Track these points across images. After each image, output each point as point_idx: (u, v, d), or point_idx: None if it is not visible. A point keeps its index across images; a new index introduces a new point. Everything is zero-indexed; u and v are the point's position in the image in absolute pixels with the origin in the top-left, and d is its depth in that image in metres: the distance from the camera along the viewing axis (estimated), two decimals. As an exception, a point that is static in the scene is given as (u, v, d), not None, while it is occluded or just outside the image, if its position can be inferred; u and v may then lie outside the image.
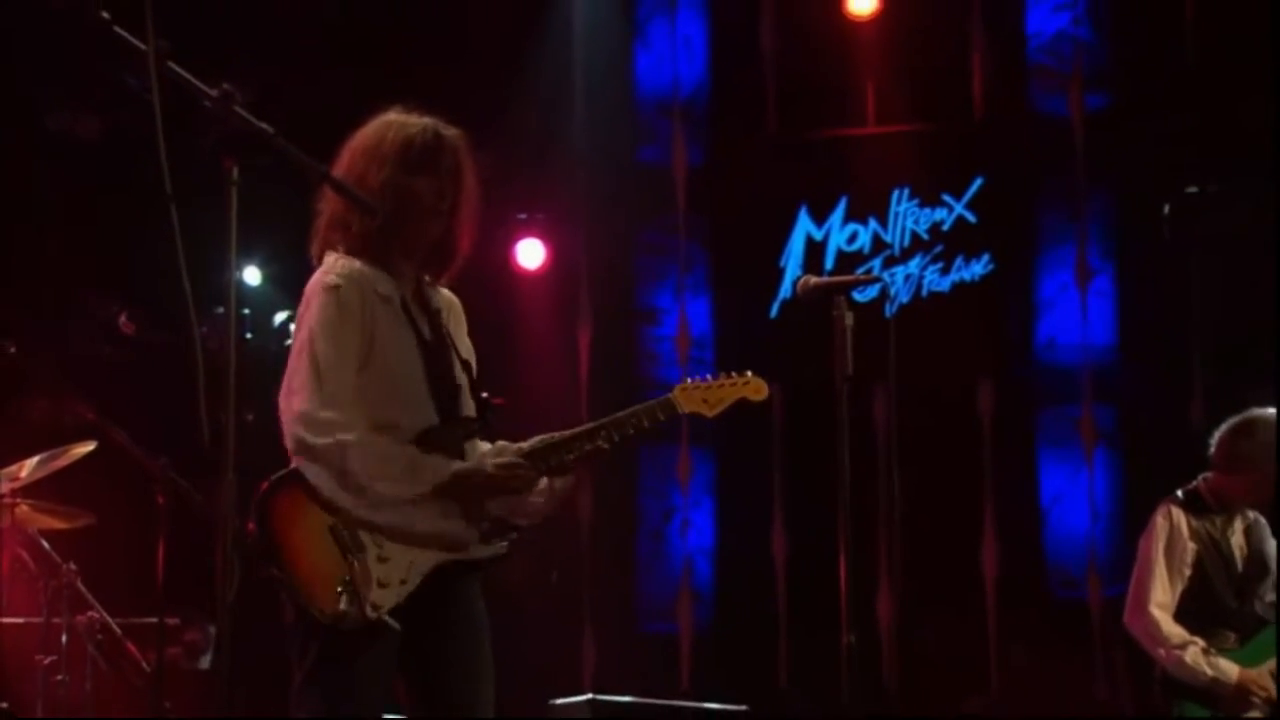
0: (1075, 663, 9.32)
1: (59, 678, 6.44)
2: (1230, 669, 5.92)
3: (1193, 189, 8.37)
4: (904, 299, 9.92)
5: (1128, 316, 9.75)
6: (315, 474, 3.87)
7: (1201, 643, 5.95)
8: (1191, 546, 6.05)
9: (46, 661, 6.44)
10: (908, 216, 10.04)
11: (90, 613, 6.57)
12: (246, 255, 8.55)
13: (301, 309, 4.03)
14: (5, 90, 8.45)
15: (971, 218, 9.96)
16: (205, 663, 7.53)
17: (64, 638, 6.48)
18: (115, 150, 8.42)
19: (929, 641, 9.09)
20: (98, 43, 3.23)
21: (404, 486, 3.90)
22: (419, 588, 3.92)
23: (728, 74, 10.37)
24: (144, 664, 6.60)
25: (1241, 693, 5.91)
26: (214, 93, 3.29)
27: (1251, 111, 9.15)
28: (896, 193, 10.05)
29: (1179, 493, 6.17)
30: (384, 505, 3.89)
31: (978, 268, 9.94)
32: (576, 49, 10.17)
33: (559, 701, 6.81)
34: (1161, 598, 6.02)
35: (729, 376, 4.33)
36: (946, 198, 10.00)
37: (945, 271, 9.95)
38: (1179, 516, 6.09)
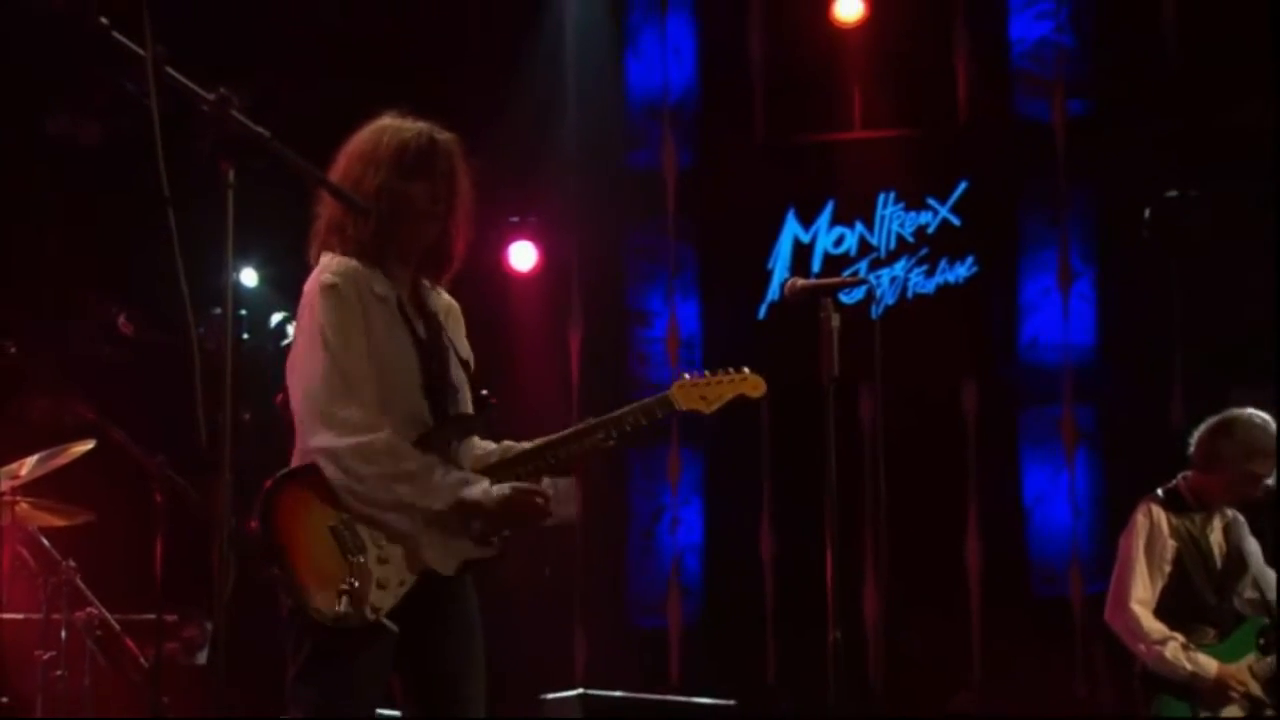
0: (1057, 658, 9.33)
1: (58, 673, 6.43)
2: (1209, 664, 5.92)
3: (1173, 193, 8.36)
4: (889, 301, 9.93)
5: (1109, 318, 9.77)
6: (334, 472, 3.86)
7: (1181, 638, 5.95)
8: (1171, 544, 6.05)
9: (46, 657, 6.43)
10: (893, 220, 10.04)
11: (89, 609, 6.56)
12: (243, 257, 8.55)
13: (303, 310, 4.02)
14: (6, 95, 8.43)
15: (956, 221, 9.97)
16: (202, 658, 7.52)
17: (63, 633, 6.47)
18: (115, 154, 8.40)
19: (914, 637, 9.10)
20: (97, 48, 3.22)
21: (420, 495, 3.90)
22: (417, 587, 3.91)
23: (716, 79, 10.37)
24: (142, 659, 6.59)
25: (1220, 688, 5.91)
26: (211, 97, 3.29)
27: (1230, 117, 9.18)
28: (882, 196, 10.06)
29: (1159, 491, 6.17)
30: (398, 509, 3.89)
31: (962, 270, 9.95)
32: (568, 55, 10.17)
33: (550, 696, 6.80)
34: (1142, 594, 6.02)
35: (726, 373, 4.31)
36: (931, 201, 10.01)
37: (930, 274, 9.96)
38: (1159, 514, 6.10)
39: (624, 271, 10.37)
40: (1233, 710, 5.93)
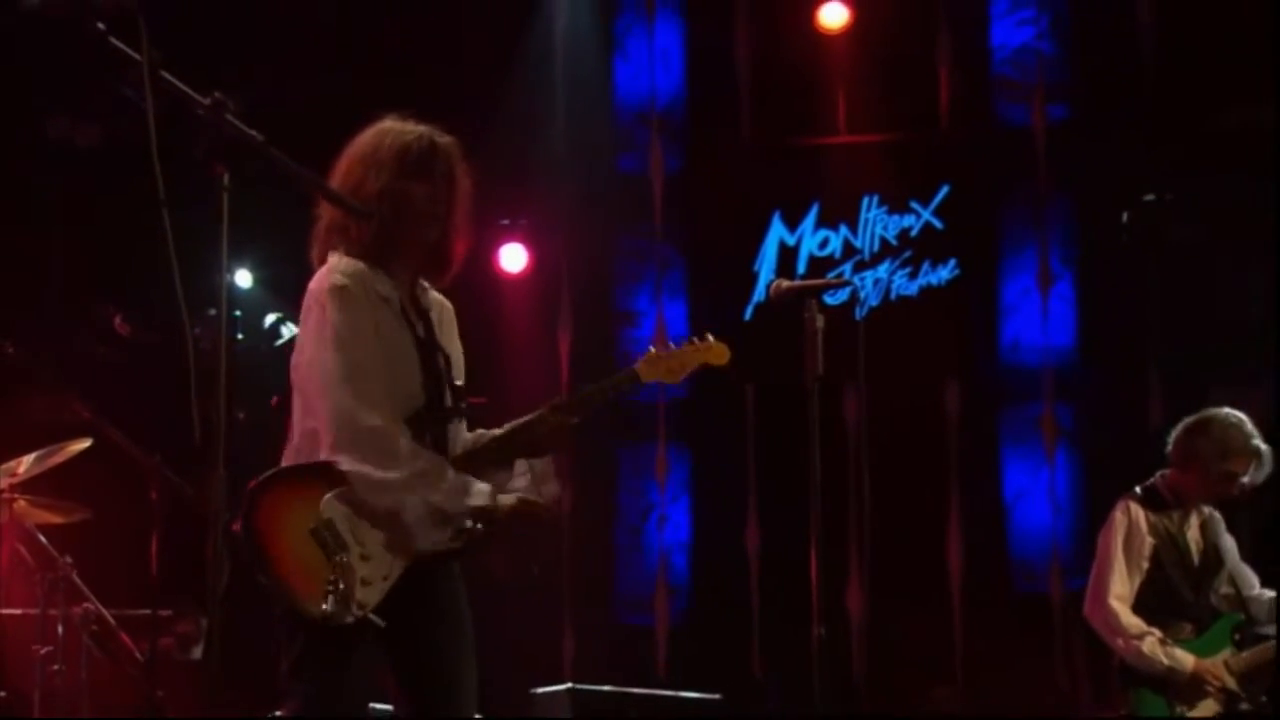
0: (1037, 653, 9.34)
1: (55, 667, 6.42)
2: (1185, 659, 5.93)
3: (1150, 197, 8.38)
4: (873, 302, 9.93)
5: (1088, 319, 9.78)
6: (355, 470, 3.86)
7: (1158, 633, 5.96)
8: (1149, 541, 6.07)
9: (43, 651, 6.42)
10: (877, 223, 10.05)
11: (85, 604, 6.55)
12: (238, 259, 8.54)
13: (309, 310, 4.01)
14: (6, 98, 8.42)
15: (938, 224, 9.97)
16: (197, 653, 7.50)
17: (60, 629, 6.46)
18: (114, 157, 8.39)
19: (896, 633, 9.10)
20: (95, 53, 3.22)
21: (435, 493, 3.90)
22: (403, 581, 3.91)
23: (703, 85, 10.37)
24: (137, 654, 6.58)
25: (1196, 682, 5.93)
26: (206, 101, 3.29)
27: (1206, 122, 9.20)
28: (866, 199, 10.07)
29: (1138, 489, 6.19)
30: (415, 508, 3.89)
31: (944, 272, 9.96)
32: (558, 61, 10.16)
33: (540, 691, 6.80)
34: (1120, 590, 6.03)
35: (691, 343, 4.30)
36: (914, 205, 10.01)
37: (913, 276, 9.97)
38: (1137, 512, 6.11)
39: (612, 273, 10.36)
40: (1209, 704, 5.94)
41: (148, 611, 6.33)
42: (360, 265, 4.01)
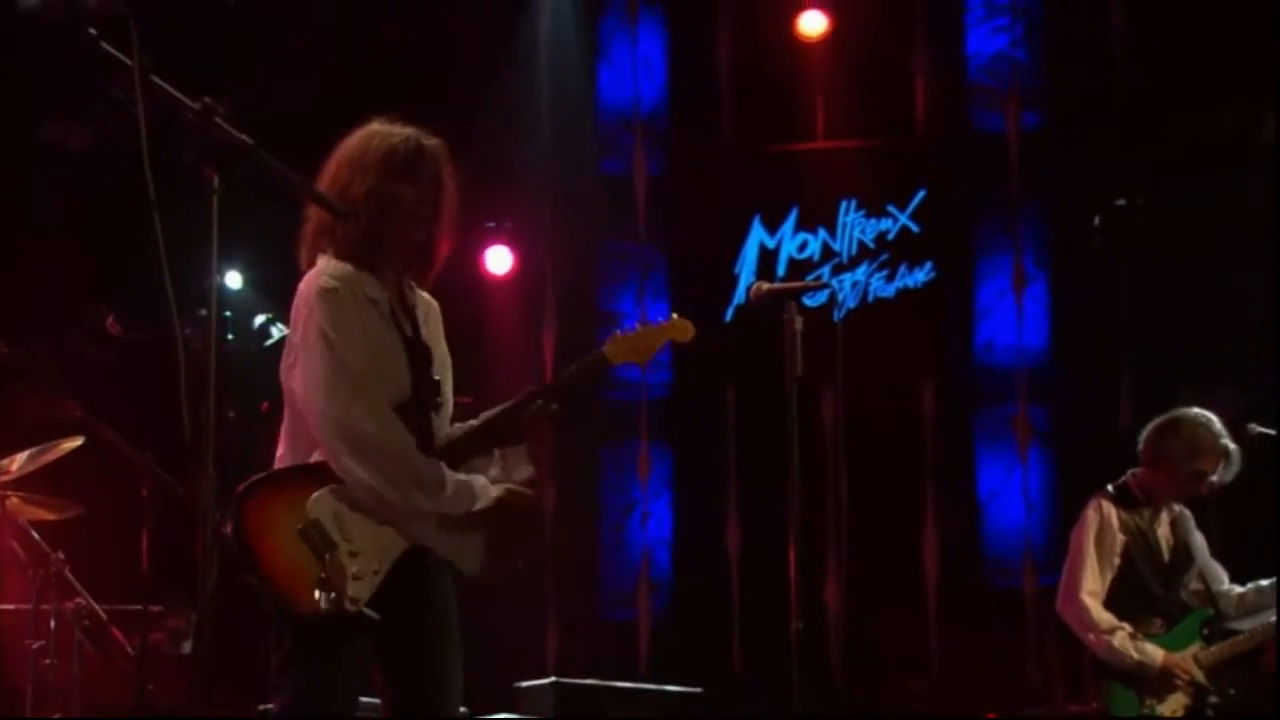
0: (1010, 647, 9.35)
1: (47, 661, 6.39)
2: (1155, 653, 5.94)
3: (1121, 201, 8.40)
4: (851, 304, 9.94)
5: (1061, 321, 9.79)
6: (358, 480, 3.86)
7: (1129, 628, 5.97)
8: (1121, 538, 6.07)
9: (35, 646, 6.40)
10: (855, 226, 10.05)
11: (78, 599, 6.53)
12: (228, 261, 8.52)
13: (299, 311, 4.00)
14: (1, 102, 8.40)
15: (915, 228, 9.98)
16: (187, 647, 7.48)
17: (52, 623, 6.44)
18: (106, 160, 8.37)
19: (873, 628, 9.10)
20: (87, 58, 3.21)
21: (432, 502, 3.90)
22: (392, 574, 3.90)
23: (685, 90, 10.37)
24: (129, 648, 6.56)
25: (1166, 675, 5.94)
26: (196, 106, 3.28)
27: (1176, 129, 9.22)
28: (844, 203, 10.07)
29: (1109, 487, 6.19)
30: (415, 514, 3.89)
31: (920, 275, 9.97)
32: (542, 67, 10.15)
33: (524, 684, 6.79)
34: (1092, 586, 6.04)
35: (656, 323, 4.28)
36: (891, 209, 10.02)
37: (890, 278, 9.98)
38: (1109, 510, 6.11)
39: (596, 274, 10.36)
40: (1178, 698, 5.95)
41: (139, 607, 6.30)
42: (348, 267, 4.00)
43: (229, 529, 3.79)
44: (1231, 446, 6.05)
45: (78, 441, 6.40)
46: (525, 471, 4.09)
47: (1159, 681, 5.94)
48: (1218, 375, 8.07)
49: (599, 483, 10.23)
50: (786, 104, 10.15)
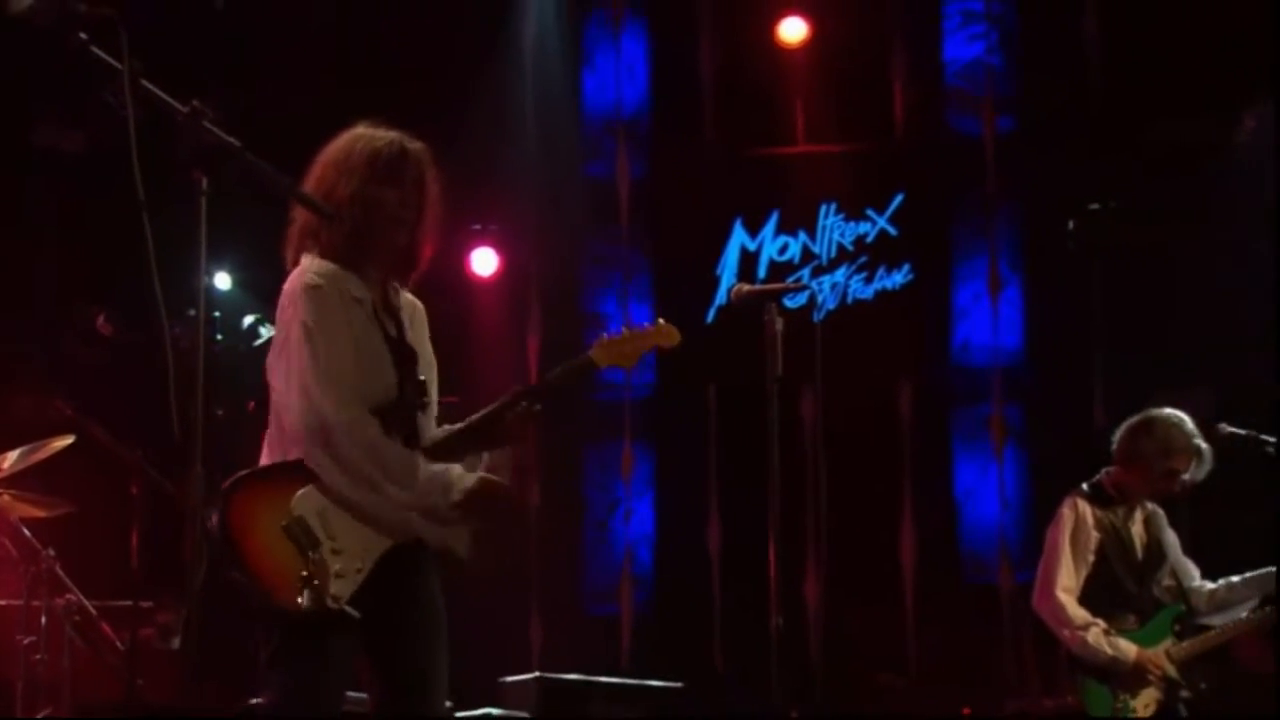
0: (986, 642, 9.36)
1: (38, 657, 6.36)
2: (1128, 649, 5.94)
3: (1095, 205, 8.41)
4: (830, 306, 9.95)
5: (1035, 323, 9.81)
6: (329, 474, 3.84)
7: (1103, 624, 5.97)
8: (1095, 535, 6.08)
9: (26, 642, 6.36)
10: (834, 229, 10.06)
11: (68, 596, 6.49)
12: (217, 262, 8.49)
13: (284, 309, 3.98)
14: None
15: (893, 231, 9.99)
16: (177, 643, 7.45)
17: (43, 619, 6.40)
18: (97, 163, 8.34)
19: (852, 623, 9.11)
20: (78, 62, 3.20)
21: (410, 495, 3.88)
22: (376, 572, 3.88)
23: (668, 96, 10.37)
24: (118, 644, 6.53)
25: (1139, 671, 5.94)
26: (184, 109, 3.27)
27: (1149, 134, 9.24)
28: (824, 207, 10.08)
29: (1084, 486, 6.20)
30: (391, 509, 3.87)
31: (898, 277, 9.98)
32: (528, 72, 10.15)
33: (509, 679, 6.78)
34: (1067, 582, 6.04)
35: (642, 328, 4.27)
36: (870, 212, 10.03)
37: (869, 280, 9.98)
38: (1084, 508, 6.12)
39: (580, 276, 10.35)
40: (1151, 692, 5.96)
41: (129, 603, 6.27)
42: (332, 266, 3.99)
43: (214, 524, 3.77)
44: (1203, 446, 6.06)
45: (69, 440, 6.37)
46: (508, 474, 4.07)
47: (1132, 676, 5.94)
48: (1189, 376, 8.09)
49: (583, 481, 10.23)
50: (767, 109, 10.16)
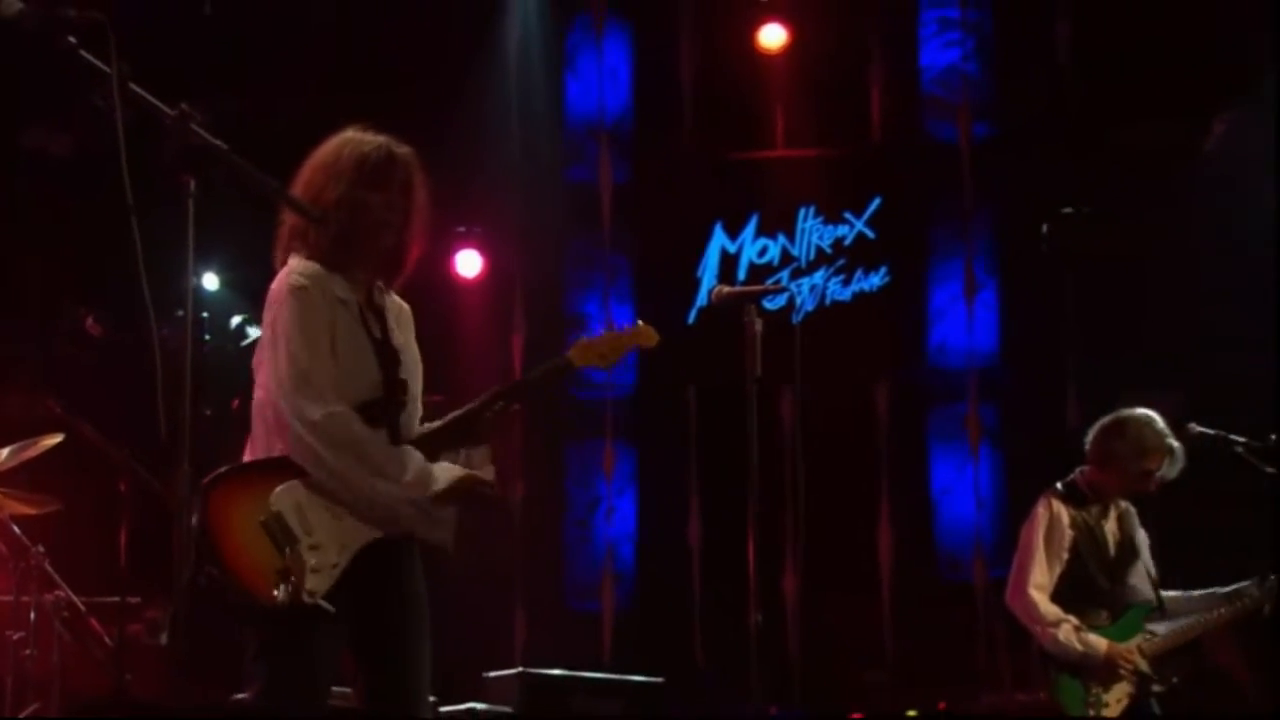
0: (961, 638, 9.37)
1: (27, 652, 6.34)
2: (1099, 644, 5.95)
3: (1068, 210, 8.43)
4: (809, 307, 9.95)
5: (1010, 325, 9.83)
6: (317, 469, 3.84)
7: (1074, 620, 5.98)
8: (1070, 534, 6.08)
9: (16, 637, 6.34)
10: (813, 232, 10.07)
11: (57, 592, 6.47)
12: (205, 263, 8.48)
13: (270, 309, 3.98)
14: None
15: (870, 234, 10.00)
16: (165, 638, 7.43)
17: (32, 615, 6.37)
18: (86, 165, 8.32)
19: (830, 619, 9.12)
20: (66, 66, 3.19)
21: (395, 488, 3.88)
22: (356, 566, 3.87)
23: (650, 101, 10.37)
24: (107, 639, 6.51)
25: (1110, 665, 5.95)
26: (172, 112, 3.26)
27: (1121, 139, 9.27)
28: (803, 210, 10.09)
29: (1059, 485, 6.20)
30: (381, 501, 3.86)
31: (876, 279, 9.99)
32: (512, 77, 10.14)
33: (492, 674, 6.77)
34: (1040, 579, 6.04)
35: (622, 329, 4.27)
36: (848, 215, 10.04)
37: (846, 283, 9.99)
38: (1059, 507, 6.12)
39: (563, 278, 10.35)
40: (1123, 686, 5.97)
41: (117, 599, 6.27)
42: (317, 268, 3.98)
43: (194, 520, 3.75)
44: (1175, 444, 6.07)
45: (58, 438, 6.34)
46: (488, 472, 4.07)
47: (1104, 671, 5.95)
48: (1160, 377, 8.11)
49: (565, 479, 10.23)
50: (747, 114, 10.17)
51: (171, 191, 3.27)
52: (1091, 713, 5.92)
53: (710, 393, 9.95)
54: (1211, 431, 6.20)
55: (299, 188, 4.00)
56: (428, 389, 4.22)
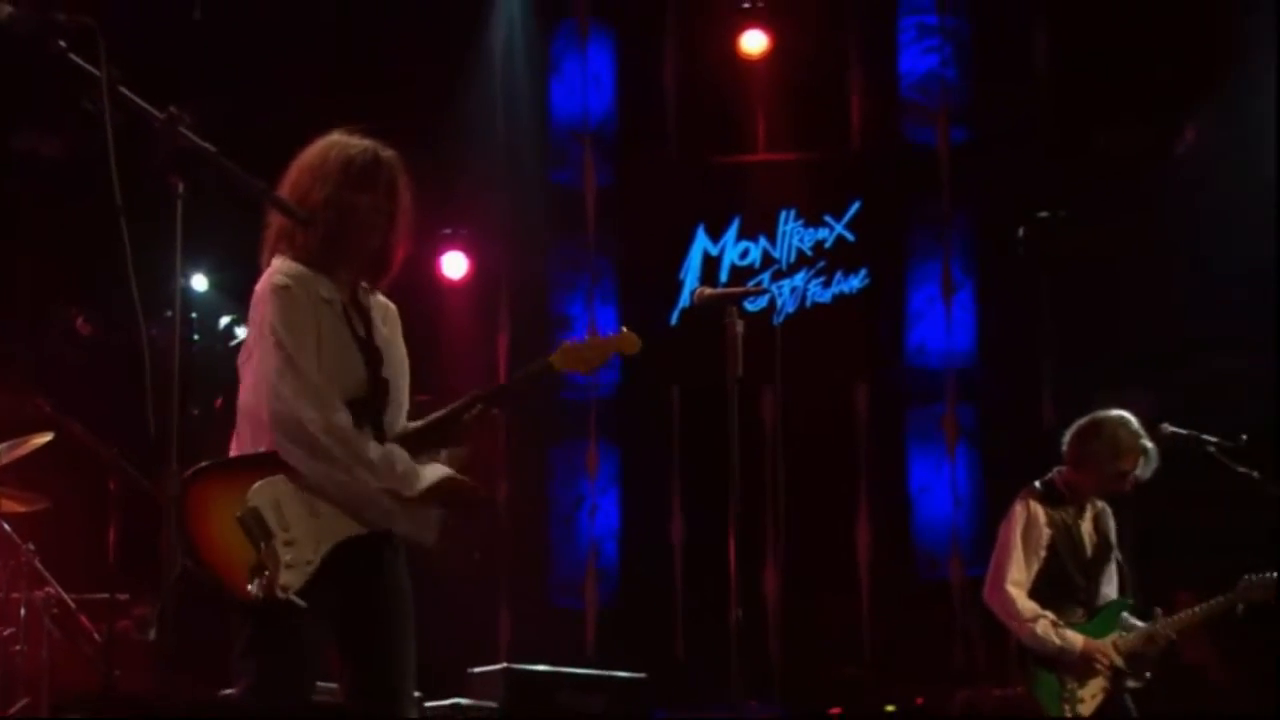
0: (938, 634, 9.39)
1: (17, 648, 6.33)
2: (1075, 640, 5.96)
3: (1044, 213, 8.44)
4: (789, 309, 9.96)
5: (987, 326, 9.85)
6: (304, 465, 3.83)
7: (1051, 616, 5.99)
8: (1047, 532, 6.09)
9: (6, 633, 6.33)
10: (794, 235, 10.07)
11: (47, 588, 6.46)
12: (194, 264, 8.46)
13: (255, 309, 3.97)
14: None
15: (850, 237, 10.01)
16: (153, 634, 7.41)
17: (22, 611, 6.37)
18: (76, 168, 8.30)
19: (809, 616, 9.12)
20: (57, 69, 3.18)
21: (382, 486, 3.87)
22: (339, 562, 3.85)
23: (633, 105, 10.37)
24: (96, 635, 6.50)
25: (1086, 660, 5.96)
26: (161, 115, 3.25)
27: (1096, 145, 9.29)
28: (784, 213, 10.10)
29: (1037, 484, 6.21)
30: (366, 496, 3.86)
31: (855, 281, 10.00)
32: (498, 81, 10.13)
33: (477, 670, 6.76)
34: (1017, 576, 6.05)
35: (606, 335, 4.27)
36: (828, 218, 10.05)
37: (826, 285, 10.00)
38: (1036, 506, 6.13)
39: (548, 280, 10.34)
40: (1098, 681, 5.98)
41: (106, 595, 6.25)
42: (301, 268, 3.98)
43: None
44: (1149, 444, 6.08)
45: (47, 437, 6.33)
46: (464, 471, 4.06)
47: (1080, 666, 5.96)
48: (1134, 377, 8.13)
49: (549, 478, 10.22)
50: (729, 119, 10.17)
51: (160, 193, 3.26)
52: (1067, 707, 5.93)
53: (693, 393, 9.95)
54: (1184, 432, 6.21)
55: (285, 189, 3.99)
56: (414, 388, 4.21)
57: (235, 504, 3.78)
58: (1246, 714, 7.36)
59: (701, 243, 10.12)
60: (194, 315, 8.28)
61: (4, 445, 6.29)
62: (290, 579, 3.77)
